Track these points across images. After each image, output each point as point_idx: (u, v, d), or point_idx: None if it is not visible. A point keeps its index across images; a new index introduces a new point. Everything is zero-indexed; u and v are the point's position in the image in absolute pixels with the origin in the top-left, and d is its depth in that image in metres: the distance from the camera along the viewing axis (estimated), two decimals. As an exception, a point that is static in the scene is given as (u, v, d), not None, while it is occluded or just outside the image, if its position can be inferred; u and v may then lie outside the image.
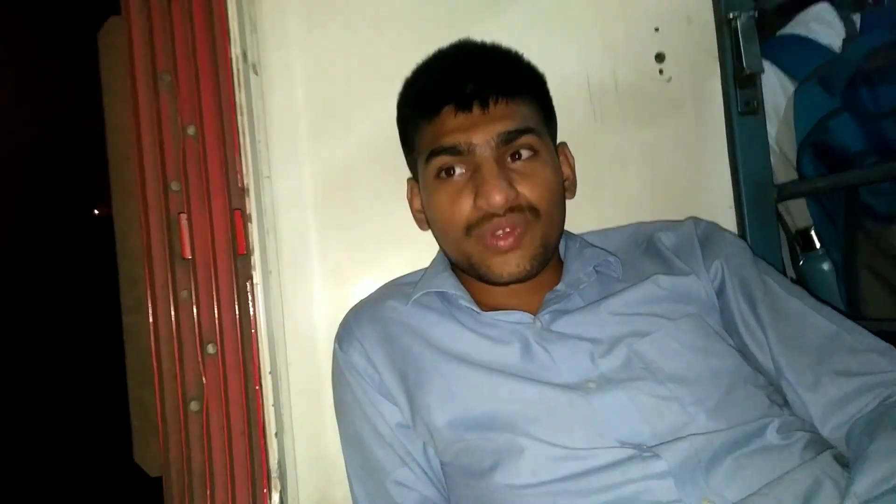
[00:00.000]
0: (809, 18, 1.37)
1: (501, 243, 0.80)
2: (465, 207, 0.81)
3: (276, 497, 0.74)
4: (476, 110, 0.81)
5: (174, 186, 0.78)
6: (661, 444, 0.71)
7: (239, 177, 0.77)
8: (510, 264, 0.80)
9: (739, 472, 0.69)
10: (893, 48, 1.16)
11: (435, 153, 0.82)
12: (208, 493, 0.75)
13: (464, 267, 0.86)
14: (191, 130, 0.79)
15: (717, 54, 1.11)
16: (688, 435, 0.71)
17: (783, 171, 1.30)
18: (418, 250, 1.01)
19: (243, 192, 0.76)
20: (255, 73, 1.00)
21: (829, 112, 1.13)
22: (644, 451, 0.71)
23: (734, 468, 0.70)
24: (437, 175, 0.83)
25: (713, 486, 0.68)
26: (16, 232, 2.95)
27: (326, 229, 1.02)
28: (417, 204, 0.93)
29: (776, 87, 1.33)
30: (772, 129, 1.33)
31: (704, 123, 1.12)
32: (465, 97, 0.81)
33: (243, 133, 0.78)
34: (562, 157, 0.92)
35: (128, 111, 0.79)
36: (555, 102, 0.94)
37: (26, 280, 3.08)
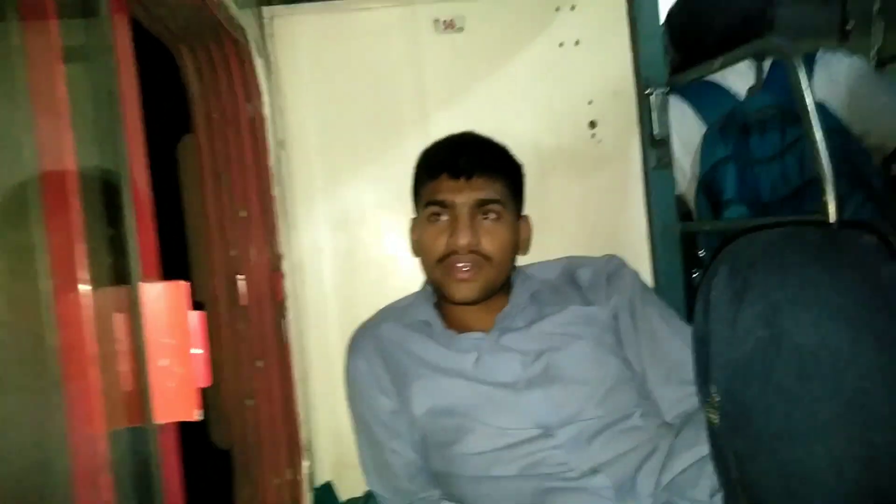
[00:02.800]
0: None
1: (459, 275, 1.14)
2: (441, 244, 1.15)
3: (306, 463, 1.11)
4: (462, 179, 1.15)
5: (232, 252, 1.13)
6: (560, 426, 1.07)
7: (277, 246, 1.12)
8: (463, 290, 1.14)
9: (611, 443, 1.05)
10: (778, 106, 1.45)
11: (430, 203, 1.16)
12: (260, 460, 1.12)
13: (434, 287, 1.21)
14: (242, 213, 1.14)
15: (636, 121, 1.42)
16: (577, 420, 1.07)
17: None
18: (408, 278, 1.35)
19: (280, 258, 1.12)
20: (283, 148, 1.35)
21: (720, 159, 1.43)
22: (548, 431, 1.07)
23: (607, 440, 1.05)
24: (429, 218, 1.17)
25: (591, 453, 1.04)
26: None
27: (338, 266, 1.38)
28: (414, 236, 1.27)
29: (694, 126, 1.59)
30: (690, 159, 1.61)
31: (626, 176, 1.42)
32: (457, 169, 1.15)
33: (278, 216, 1.13)
34: (523, 225, 1.24)
35: (199, 199, 1.14)
36: (511, 162, 1.27)
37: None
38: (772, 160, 1.35)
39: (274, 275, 1.11)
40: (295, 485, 1.09)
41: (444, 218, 1.15)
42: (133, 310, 0.51)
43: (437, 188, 1.16)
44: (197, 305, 0.58)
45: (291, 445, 1.11)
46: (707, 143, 1.44)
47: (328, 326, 1.37)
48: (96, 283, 0.49)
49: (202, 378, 0.52)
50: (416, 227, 1.25)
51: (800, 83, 1.06)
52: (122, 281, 0.52)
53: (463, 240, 1.11)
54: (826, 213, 1.03)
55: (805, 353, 0.69)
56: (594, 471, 1.01)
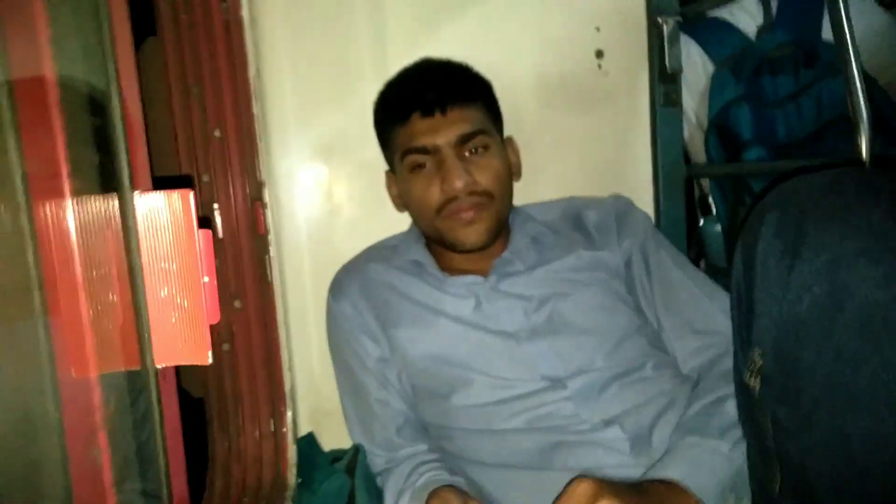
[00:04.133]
0: (733, 4, 1.55)
1: (465, 218, 1.04)
2: (435, 193, 1.04)
3: (289, 414, 1.01)
4: (437, 115, 1.03)
5: (205, 178, 0.99)
6: (569, 378, 0.99)
7: (258, 173, 0.98)
8: (472, 235, 1.05)
9: (621, 394, 0.98)
10: (794, 45, 1.38)
11: (408, 152, 1.04)
12: (239, 410, 1.01)
13: (435, 240, 1.10)
14: (216, 133, 0.99)
15: (647, 52, 1.33)
16: (586, 372, 0.99)
17: (700, 144, 1.53)
18: (393, 217, 1.22)
19: (261, 185, 0.98)
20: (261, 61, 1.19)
21: (733, 98, 1.35)
22: (556, 383, 0.99)
23: (618, 391, 0.98)
24: (411, 170, 1.06)
25: (602, 405, 0.97)
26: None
27: (315, 201, 1.23)
28: (395, 191, 1.15)
29: (699, 67, 1.52)
30: (693, 103, 1.54)
31: (633, 112, 1.33)
32: (429, 104, 1.03)
33: (260, 137, 0.99)
34: (509, 149, 1.15)
35: (166, 114, 0.99)
36: (505, 95, 1.14)
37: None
38: (786, 102, 1.28)
39: (254, 205, 0.98)
40: (278, 437, 0.99)
41: (429, 165, 1.04)
42: (126, 227, 0.39)
43: (412, 133, 1.04)
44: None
45: (274, 394, 1.00)
46: (718, 82, 1.36)
47: (302, 265, 1.24)
48: (80, 192, 0.36)
49: (212, 313, 0.41)
50: (396, 180, 1.13)
51: (840, 12, 0.98)
52: (112, 191, 0.39)
53: (458, 183, 1.01)
54: (859, 154, 0.97)
55: (872, 311, 0.61)
56: (607, 423, 0.94)
